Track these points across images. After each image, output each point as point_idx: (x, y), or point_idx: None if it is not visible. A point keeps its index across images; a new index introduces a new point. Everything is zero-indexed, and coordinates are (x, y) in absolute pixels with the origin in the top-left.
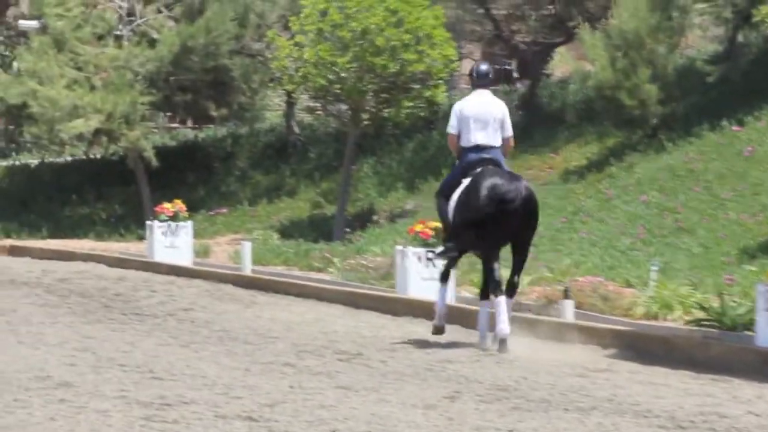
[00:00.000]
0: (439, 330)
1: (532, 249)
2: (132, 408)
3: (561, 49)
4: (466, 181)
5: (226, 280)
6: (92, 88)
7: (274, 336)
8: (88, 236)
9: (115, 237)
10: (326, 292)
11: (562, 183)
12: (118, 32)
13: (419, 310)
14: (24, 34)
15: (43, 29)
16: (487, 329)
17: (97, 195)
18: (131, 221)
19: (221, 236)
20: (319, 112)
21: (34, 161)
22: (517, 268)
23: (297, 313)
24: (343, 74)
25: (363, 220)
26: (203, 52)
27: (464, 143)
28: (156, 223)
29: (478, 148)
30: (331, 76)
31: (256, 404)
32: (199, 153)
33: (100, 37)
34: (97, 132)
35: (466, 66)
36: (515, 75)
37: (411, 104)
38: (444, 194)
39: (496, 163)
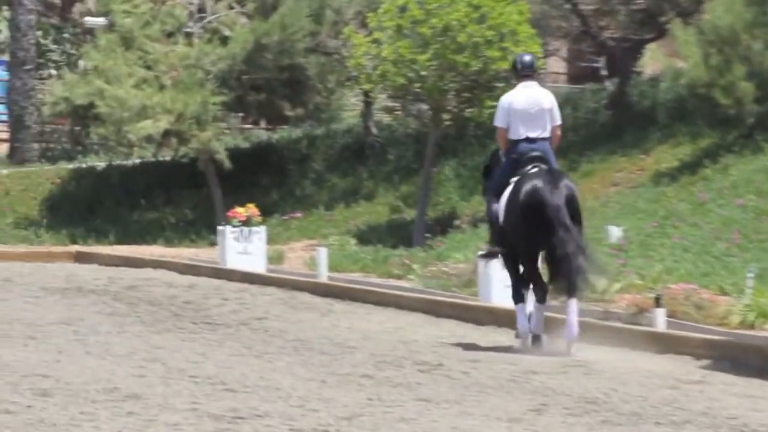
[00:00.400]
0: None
1: (621, 255)
2: (203, 421)
3: (652, 46)
4: (513, 181)
5: (301, 288)
6: (161, 87)
7: (352, 346)
8: (157, 242)
9: (186, 243)
10: (406, 300)
11: (653, 186)
12: (189, 29)
13: (503, 318)
14: (90, 31)
15: (111, 27)
16: (528, 330)
17: (166, 199)
18: (202, 226)
19: (296, 242)
20: (398, 112)
21: (101, 164)
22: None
23: (375, 322)
24: (423, 72)
25: (444, 224)
26: (277, 49)
27: (513, 136)
28: (228, 228)
29: (528, 140)
30: (410, 75)
31: (332, 417)
32: (273, 155)
33: (170, 35)
34: (167, 133)
35: (553, 64)
36: (603, 73)
37: (494, 104)
38: (494, 193)
39: (544, 160)
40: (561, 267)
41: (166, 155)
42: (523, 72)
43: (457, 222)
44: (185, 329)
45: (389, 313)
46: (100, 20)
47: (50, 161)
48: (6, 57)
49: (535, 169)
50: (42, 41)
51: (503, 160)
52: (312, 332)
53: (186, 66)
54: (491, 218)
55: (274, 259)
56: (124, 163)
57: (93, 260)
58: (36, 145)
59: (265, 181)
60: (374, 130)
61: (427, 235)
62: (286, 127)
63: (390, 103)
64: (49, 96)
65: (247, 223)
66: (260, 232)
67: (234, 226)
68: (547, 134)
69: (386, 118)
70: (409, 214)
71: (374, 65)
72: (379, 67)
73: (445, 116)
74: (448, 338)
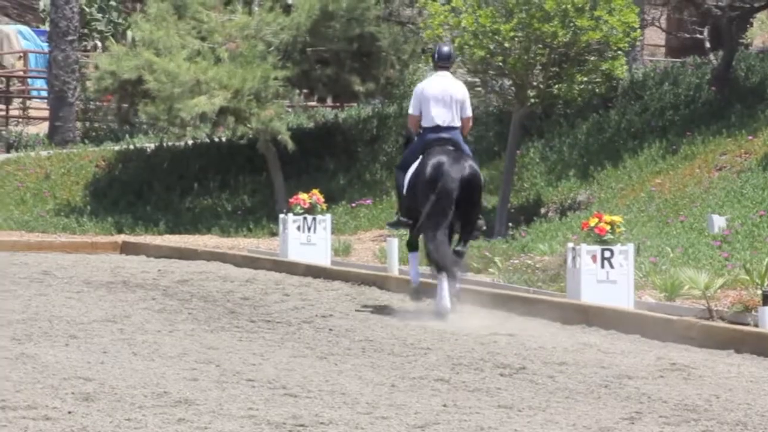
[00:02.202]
0: (416, 296)
1: (725, 246)
2: (262, 429)
3: (762, 15)
4: (420, 157)
5: (370, 283)
6: (217, 60)
7: (425, 347)
8: (211, 231)
9: (243, 232)
10: (486, 296)
11: (760, 170)
12: None
13: (595, 317)
14: None
15: None
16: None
17: (222, 184)
18: (261, 214)
19: (364, 231)
20: (478, 89)
21: (150, 145)
22: (464, 239)
23: (452, 321)
24: (506, 44)
25: (528, 213)
26: (346, 18)
27: (425, 123)
28: (290, 216)
29: (438, 129)
30: (492, 47)
31: (404, 425)
32: (340, 135)
33: (227, 2)
34: (223, 111)
35: (651, 35)
36: (707, 45)
37: (585, 79)
38: (402, 168)
39: (454, 144)
40: (460, 237)
41: (221, 136)
42: (440, 63)
43: (542, 210)
44: (242, 328)
45: (468, 310)
46: None
47: (94, 142)
48: (46, 27)
49: (446, 148)
50: (86, 9)
51: (415, 139)
52: (381, 331)
53: (245, 37)
54: (398, 189)
55: (341, 250)
56: (176, 144)
57: (141, 251)
58: (79, 125)
59: (331, 164)
60: None
61: (510, 224)
62: (355, 104)
63: (469, 79)
64: (93, 70)
65: (310, 210)
66: (325, 221)
67: (296, 214)
68: (457, 123)
69: None
70: (490, 201)
71: (452, 36)
72: (458, 38)
73: (531, 93)
74: (532, 338)
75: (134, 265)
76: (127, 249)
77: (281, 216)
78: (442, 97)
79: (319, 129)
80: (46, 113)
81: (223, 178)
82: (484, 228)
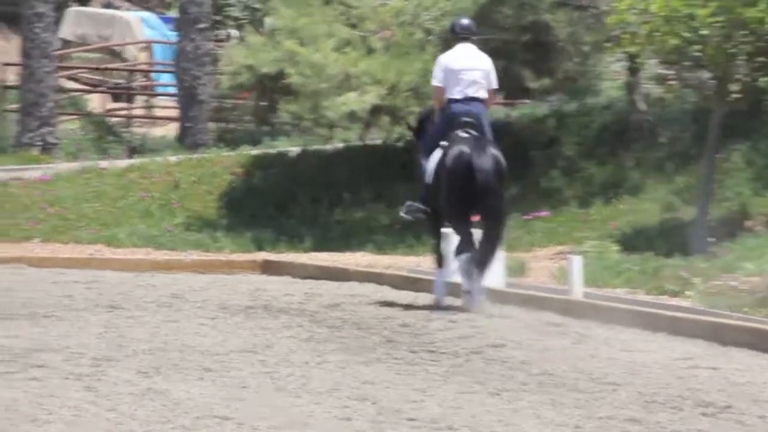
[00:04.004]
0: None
1: None
2: None
3: None
4: (444, 144)
5: (549, 307)
6: (370, 51)
7: (614, 382)
8: (365, 248)
9: (402, 249)
10: (683, 323)
11: None
12: None
13: None
14: None
15: None
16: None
17: (376, 193)
18: (422, 229)
19: (541, 248)
20: (672, 82)
21: (293, 149)
22: (493, 232)
23: (644, 351)
24: (704, 31)
25: (732, 226)
26: (518, 3)
27: (450, 95)
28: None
29: (464, 100)
30: (687, 34)
31: None
32: (512, 138)
33: None
34: (376, 110)
35: None
36: None
37: None
38: (425, 152)
39: (476, 126)
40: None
41: (375, 138)
42: (462, 33)
43: (748, 223)
44: (401, 359)
45: (662, 339)
46: None
47: (229, 146)
48: (174, 13)
49: (465, 135)
50: None
51: (437, 121)
52: (563, 364)
53: (401, 24)
54: (420, 176)
55: (515, 269)
56: (323, 148)
57: (284, 271)
58: (211, 126)
59: None
60: (642, 106)
61: (711, 239)
62: (528, 101)
63: (662, 71)
64: (228, 63)
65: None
66: None
67: None
68: (482, 95)
69: (657, 90)
70: (687, 213)
71: (641, 22)
72: (647, 24)
73: (734, 87)
74: (738, 372)
75: (276, 287)
76: (268, 268)
77: (444, 230)
78: (468, 68)
79: None
80: (174, 113)
81: (377, 186)
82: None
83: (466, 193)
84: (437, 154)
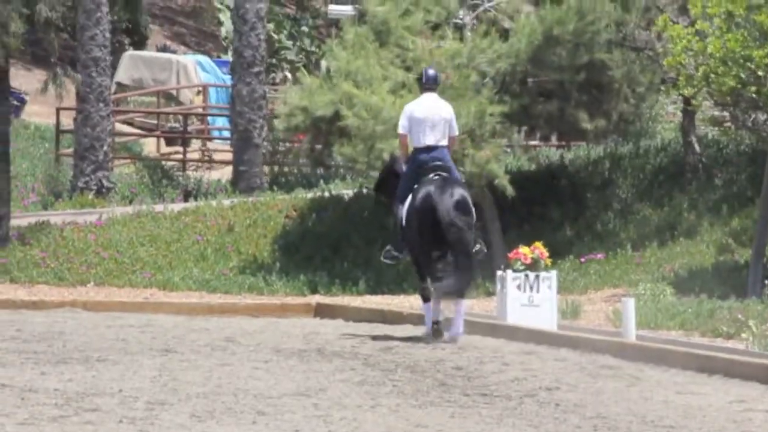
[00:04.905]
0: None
1: None
2: None
3: None
4: (416, 188)
5: (603, 350)
6: None
7: (669, 425)
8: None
9: None
10: (739, 366)
11: None
12: (459, 20)
13: None
14: (335, 23)
15: (361, 17)
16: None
17: None
18: (476, 271)
19: (595, 290)
20: (727, 124)
21: (347, 192)
22: (457, 264)
23: (698, 394)
24: (760, 72)
25: None
26: (573, 43)
27: (415, 143)
28: (509, 273)
29: (429, 149)
30: (744, 75)
31: None
32: (566, 180)
33: (435, 27)
34: None
35: None
36: None
37: None
38: (400, 200)
39: (444, 168)
40: (449, 266)
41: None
42: (427, 85)
43: None
44: (454, 402)
45: (717, 382)
46: (347, 9)
47: (284, 189)
48: (229, 57)
49: (435, 178)
50: (274, 36)
51: (404, 169)
52: (616, 407)
53: (456, 66)
54: (397, 222)
55: (568, 312)
56: None
57: (338, 314)
58: (266, 169)
59: (556, 213)
60: (697, 147)
61: (767, 282)
62: (583, 144)
63: (717, 113)
64: (282, 105)
65: (533, 266)
66: (550, 279)
67: (517, 271)
68: (444, 142)
69: (713, 132)
70: (743, 254)
71: (697, 64)
72: (703, 66)
73: None
74: None
75: (330, 330)
76: (321, 312)
77: (499, 273)
78: (432, 118)
79: (541, 172)
80: (228, 156)
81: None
82: (485, 251)
83: (430, 230)
84: (409, 199)
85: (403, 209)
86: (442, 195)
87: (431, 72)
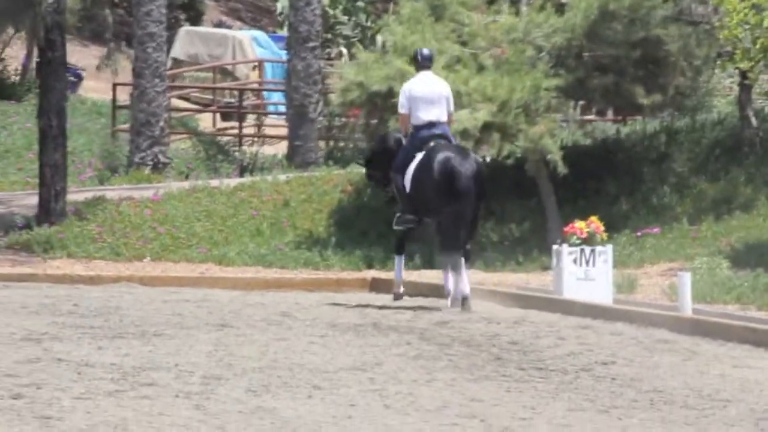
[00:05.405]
0: (398, 297)
1: None
2: None
3: None
4: (419, 155)
5: (659, 324)
6: (480, 68)
7: (725, 399)
8: (474, 265)
9: (510, 266)
10: None
11: None
12: None
13: None
14: None
15: None
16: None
17: (486, 211)
18: (532, 245)
19: (651, 265)
20: None
21: None
22: (469, 235)
23: (756, 368)
24: None
25: None
26: (628, 18)
27: (415, 121)
28: (565, 247)
29: (430, 125)
30: None
31: None
32: (622, 154)
33: (491, 1)
34: (487, 127)
35: None
36: None
37: None
38: (399, 170)
39: (446, 138)
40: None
41: (486, 155)
42: (423, 63)
43: None
44: (510, 377)
45: None
46: None
47: (339, 164)
48: (284, 32)
49: (442, 141)
50: (330, 12)
51: (404, 143)
52: (673, 381)
53: (512, 41)
54: (399, 191)
55: (624, 286)
56: None
57: (393, 289)
58: (322, 144)
59: (611, 187)
60: (754, 121)
61: None
62: (638, 118)
63: None
64: (338, 81)
65: (589, 241)
66: (606, 253)
67: (573, 245)
68: (444, 118)
69: None
70: None
71: (754, 37)
72: (760, 39)
73: None
74: None
75: (385, 304)
76: (377, 287)
77: (554, 247)
78: (431, 95)
79: (597, 146)
80: (284, 131)
81: (487, 203)
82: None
83: (464, 203)
84: (413, 165)
85: (406, 176)
86: (464, 163)
87: (426, 51)
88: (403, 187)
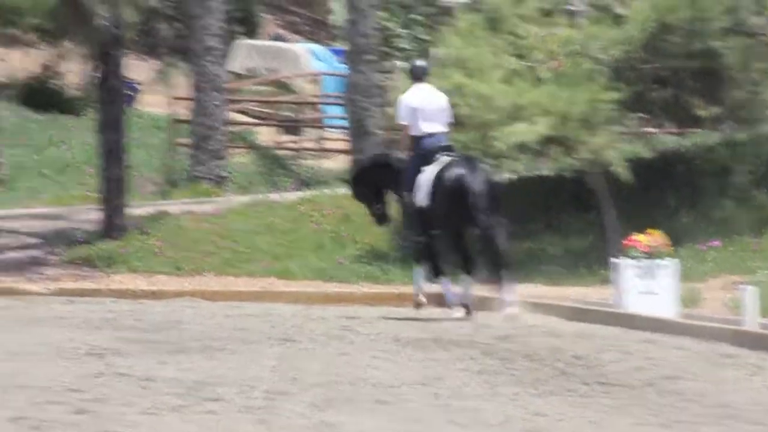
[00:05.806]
0: (418, 305)
1: None
2: None
3: None
4: (429, 168)
5: (723, 338)
6: (538, 81)
7: None
8: (534, 279)
9: (572, 280)
10: None
11: None
12: (572, 7)
13: None
14: (448, 11)
15: (474, 5)
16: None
17: (546, 224)
18: (592, 259)
19: (714, 278)
20: None
21: None
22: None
23: None
24: None
25: None
26: (686, 30)
27: (416, 132)
28: (626, 261)
29: (432, 135)
30: None
31: None
32: (683, 166)
33: (548, 14)
34: (547, 140)
35: None
36: None
37: None
38: (408, 186)
39: (451, 148)
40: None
41: (544, 168)
42: (418, 75)
43: None
44: (574, 391)
45: None
46: None
47: None
48: (340, 45)
49: (452, 158)
50: (387, 25)
51: (407, 159)
52: (738, 395)
53: (570, 54)
54: (407, 209)
55: (688, 300)
56: None
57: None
58: None
59: (672, 200)
60: None
61: None
62: (699, 130)
63: None
64: (396, 94)
65: (651, 254)
66: (669, 266)
67: (634, 259)
68: (445, 129)
69: None
70: None
71: None
72: None
73: None
74: None
75: (450, 319)
76: (438, 300)
77: (615, 261)
78: (431, 107)
79: (657, 159)
80: (343, 145)
81: (546, 216)
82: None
83: (459, 210)
84: (424, 179)
85: (415, 192)
86: (475, 175)
87: (422, 63)
88: (411, 203)
